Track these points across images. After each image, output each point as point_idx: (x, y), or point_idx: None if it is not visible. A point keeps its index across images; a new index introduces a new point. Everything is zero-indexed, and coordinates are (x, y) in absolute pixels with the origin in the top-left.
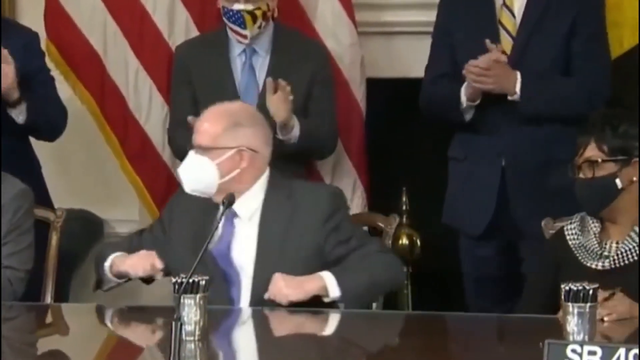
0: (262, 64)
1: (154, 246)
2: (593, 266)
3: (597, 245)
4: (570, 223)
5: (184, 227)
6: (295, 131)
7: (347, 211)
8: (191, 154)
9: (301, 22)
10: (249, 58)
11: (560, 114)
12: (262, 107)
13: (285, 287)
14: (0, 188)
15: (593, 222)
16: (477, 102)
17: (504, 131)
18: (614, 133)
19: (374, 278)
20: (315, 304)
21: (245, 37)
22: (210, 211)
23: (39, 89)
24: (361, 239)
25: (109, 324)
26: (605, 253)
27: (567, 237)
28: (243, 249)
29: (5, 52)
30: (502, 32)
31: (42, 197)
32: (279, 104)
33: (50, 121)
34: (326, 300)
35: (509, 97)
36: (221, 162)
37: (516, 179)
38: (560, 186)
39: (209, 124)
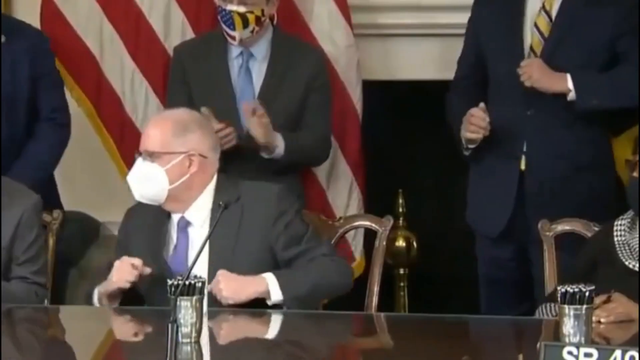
0: (258, 68)
1: None
2: (630, 265)
3: (639, 246)
4: (622, 219)
5: (141, 243)
6: (280, 150)
7: (296, 208)
8: (139, 161)
9: (297, 25)
10: (246, 61)
11: (623, 105)
12: None
13: (225, 290)
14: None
15: None
16: (475, 145)
17: (525, 135)
18: None
19: (317, 282)
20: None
21: (233, 38)
22: (162, 222)
23: (45, 93)
24: (310, 240)
25: (105, 326)
26: None
27: (615, 232)
28: (202, 255)
29: None
30: (535, 35)
31: (54, 200)
32: (258, 128)
33: (55, 153)
34: (269, 303)
35: (568, 98)
36: (170, 168)
37: (535, 183)
38: (579, 192)
39: (156, 129)
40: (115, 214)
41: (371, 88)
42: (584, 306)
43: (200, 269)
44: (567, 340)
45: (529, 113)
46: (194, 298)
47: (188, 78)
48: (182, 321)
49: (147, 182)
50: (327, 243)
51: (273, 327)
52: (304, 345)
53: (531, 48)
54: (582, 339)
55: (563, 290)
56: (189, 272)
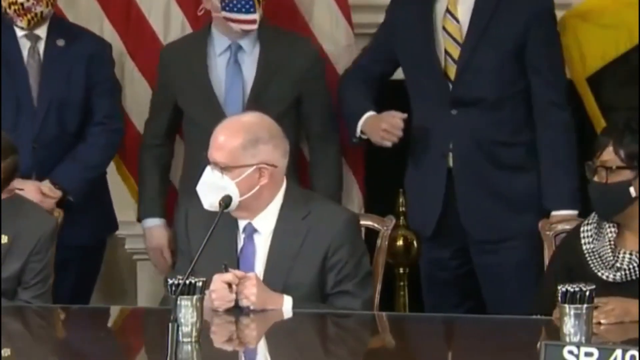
0: (248, 60)
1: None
2: (604, 277)
3: (610, 254)
4: (587, 224)
5: (201, 239)
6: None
7: (359, 243)
8: (208, 171)
9: (297, 24)
10: (234, 54)
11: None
12: (251, 105)
13: (254, 297)
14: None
15: (609, 227)
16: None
17: (450, 134)
18: (632, 138)
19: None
20: None
21: (254, 22)
22: (226, 228)
23: (99, 99)
24: (356, 286)
25: (105, 326)
26: (618, 264)
27: (582, 240)
28: (261, 264)
29: (47, 188)
30: (447, 39)
31: (107, 206)
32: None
33: (104, 156)
34: None
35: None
36: (241, 181)
37: (462, 182)
38: (507, 190)
39: (227, 140)
40: (115, 214)
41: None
42: (585, 305)
43: (258, 269)
44: (567, 339)
45: (453, 113)
46: (195, 297)
47: (171, 80)
48: (182, 320)
49: (217, 193)
50: (369, 295)
51: (274, 326)
52: (305, 344)
53: (446, 52)
54: (583, 338)
55: (563, 289)
56: (189, 272)
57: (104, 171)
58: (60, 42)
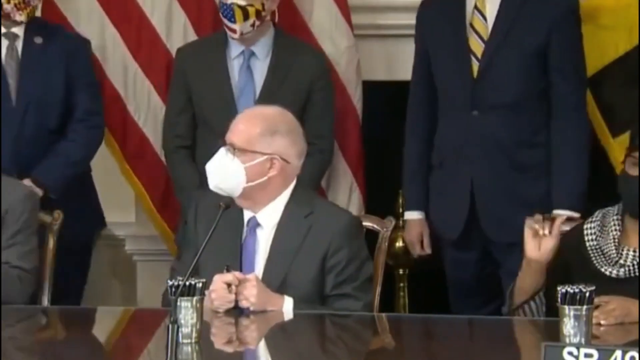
0: (260, 67)
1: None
2: (607, 273)
3: (614, 251)
4: (591, 222)
5: (206, 232)
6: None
7: (357, 245)
8: (222, 151)
9: (297, 25)
10: (247, 60)
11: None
12: None
13: (254, 297)
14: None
15: (614, 225)
16: None
17: (472, 137)
18: None
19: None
20: None
21: (234, 31)
22: (232, 221)
23: (79, 96)
24: (357, 289)
25: (105, 327)
26: (622, 261)
27: (585, 237)
28: (262, 259)
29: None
30: (474, 36)
31: (93, 203)
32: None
33: (85, 152)
34: None
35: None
36: (250, 166)
37: (483, 186)
38: (529, 193)
39: (246, 125)
40: (114, 214)
41: (371, 88)
42: (584, 306)
43: (258, 267)
44: (567, 340)
45: (473, 114)
46: (195, 299)
47: (188, 80)
48: (182, 322)
49: (225, 175)
50: (368, 300)
51: (274, 327)
52: (305, 345)
53: (471, 51)
54: (583, 339)
55: (563, 290)
56: (189, 273)
57: (86, 167)
58: (38, 40)
